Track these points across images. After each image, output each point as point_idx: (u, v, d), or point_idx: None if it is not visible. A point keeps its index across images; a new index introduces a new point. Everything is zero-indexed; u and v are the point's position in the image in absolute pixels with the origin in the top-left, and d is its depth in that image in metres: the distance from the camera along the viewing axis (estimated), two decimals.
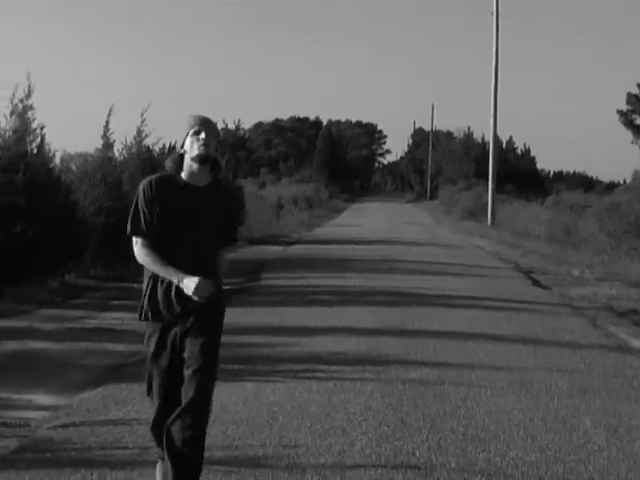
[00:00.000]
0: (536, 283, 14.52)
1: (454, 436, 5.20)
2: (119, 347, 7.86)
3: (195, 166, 3.91)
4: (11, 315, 9.34)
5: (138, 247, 3.91)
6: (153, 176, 4.02)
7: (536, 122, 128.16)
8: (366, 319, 9.54)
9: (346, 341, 8.19)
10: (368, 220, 35.79)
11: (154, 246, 3.86)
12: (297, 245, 21.24)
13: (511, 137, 58.58)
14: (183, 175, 3.95)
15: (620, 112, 17.88)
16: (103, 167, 13.90)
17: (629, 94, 17.63)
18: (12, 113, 10.81)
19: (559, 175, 65.05)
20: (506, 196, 38.36)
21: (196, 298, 3.72)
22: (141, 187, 3.95)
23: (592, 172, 67.64)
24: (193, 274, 3.76)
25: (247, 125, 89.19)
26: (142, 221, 3.89)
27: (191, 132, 3.90)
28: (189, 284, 3.73)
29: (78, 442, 4.92)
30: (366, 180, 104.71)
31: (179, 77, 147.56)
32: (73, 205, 11.92)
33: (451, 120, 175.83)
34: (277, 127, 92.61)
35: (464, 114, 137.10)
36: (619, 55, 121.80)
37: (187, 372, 3.81)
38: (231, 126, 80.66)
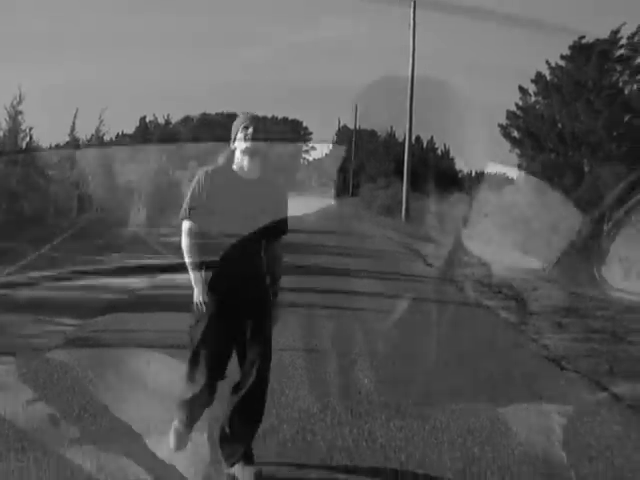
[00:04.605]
0: (428, 264, 17.80)
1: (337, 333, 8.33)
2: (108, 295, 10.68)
3: (246, 160, 4.08)
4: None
5: (184, 233, 4.08)
6: (209, 167, 4.15)
7: None
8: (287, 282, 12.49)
9: None
10: (290, 213, 38.40)
11: (201, 235, 4.04)
12: None
13: (432, 137, 59.46)
14: (235, 167, 4.13)
15: (501, 125, 21.14)
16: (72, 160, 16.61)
17: (508, 111, 20.92)
18: (9, 116, 13.43)
19: (481, 175, 67.39)
20: (420, 194, 41.28)
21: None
22: (196, 177, 4.09)
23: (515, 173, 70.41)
24: (239, 264, 4.07)
25: (175, 119, 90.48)
26: (193, 208, 4.05)
27: (241, 128, 4.08)
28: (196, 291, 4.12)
29: (109, 337, 7.81)
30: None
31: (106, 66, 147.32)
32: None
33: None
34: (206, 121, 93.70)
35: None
36: None
37: (248, 357, 4.20)
38: (161, 121, 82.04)
